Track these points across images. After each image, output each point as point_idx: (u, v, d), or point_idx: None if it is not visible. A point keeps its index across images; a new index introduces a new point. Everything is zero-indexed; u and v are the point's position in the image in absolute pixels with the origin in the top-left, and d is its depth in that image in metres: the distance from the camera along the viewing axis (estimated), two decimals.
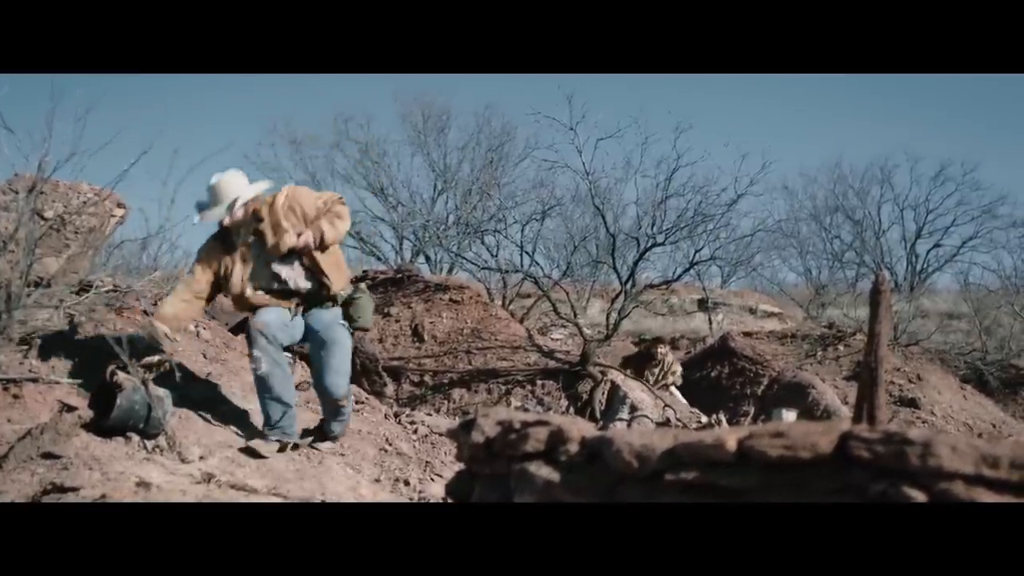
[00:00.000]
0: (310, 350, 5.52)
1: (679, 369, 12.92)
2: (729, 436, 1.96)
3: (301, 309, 5.41)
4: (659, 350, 12.67)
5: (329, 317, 5.43)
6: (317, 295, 5.41)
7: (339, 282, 5.44)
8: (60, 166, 5.34)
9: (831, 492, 1.80)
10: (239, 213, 5.23)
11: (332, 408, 5.52)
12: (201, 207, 5.26)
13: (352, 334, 5.53)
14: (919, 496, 1.67)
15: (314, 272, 5.35)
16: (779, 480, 1.87)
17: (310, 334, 5.43)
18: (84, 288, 6.21)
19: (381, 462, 5.71)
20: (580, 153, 13.74)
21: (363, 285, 5.64)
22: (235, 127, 53.58)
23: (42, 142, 5.14)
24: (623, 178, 21.66)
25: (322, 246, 5.28)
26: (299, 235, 5.21)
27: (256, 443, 5.06)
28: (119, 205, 6.91)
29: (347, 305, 5.49)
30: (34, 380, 4.98)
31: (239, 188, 5.23)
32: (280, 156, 41.23)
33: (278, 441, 5.17)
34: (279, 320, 5.27)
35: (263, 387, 5.19)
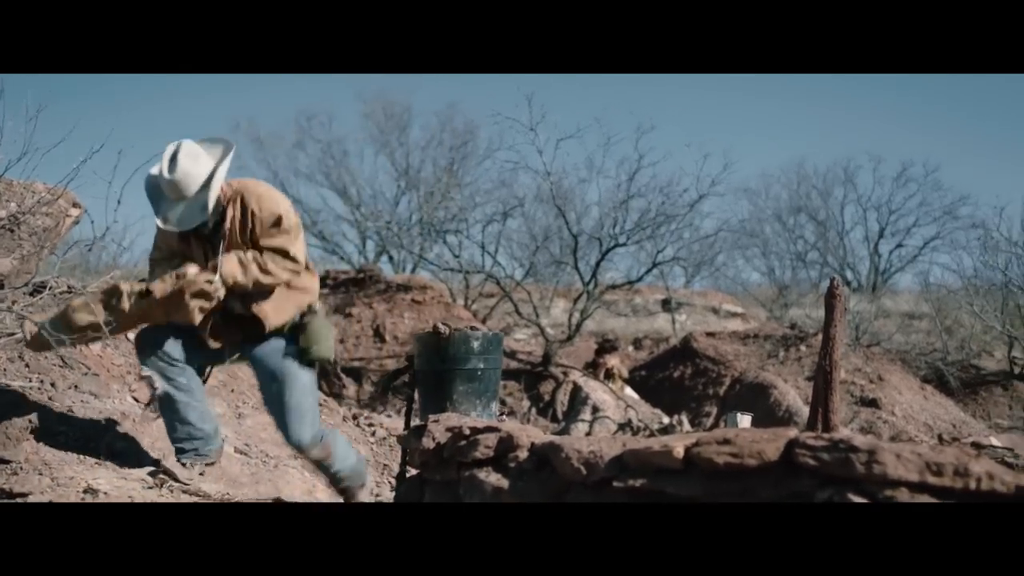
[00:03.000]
0: (259, 387, 4.54)
1: (620, 367, 12.90)
2: (676, 443, 1.95)
3: (225, 343, 4.40)
4: (601, 360, 12.58)
5: (274, 344, 4.36)
6: (251, 326, 4.33)
7: (279, 315, 4.33)
8: (12, 166, 5.26)
9: (778, 500, 1.80)
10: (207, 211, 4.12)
11: (311, 462, 4.52)
12: (158, 202, 4.15)
13: (312, 366, 4.43)
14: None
15: (243, 300, 4.27)
16: (726, 488, 1.86)
17: (253, 365, 4.45)
18: (38, 289, 6.12)
19: None
20: (540, 153, 13.74)
21: (317, 305, 4.50)
22: (198, 125, 53.26)
23: None
24: (587, 179, 21.73)
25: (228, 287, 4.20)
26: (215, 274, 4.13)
27: (175, 467, 4.31)
28: (74, 205, 6.80)
29: (295, 332, 4.37)
30: None
31: (206, 170, 4.12)
32: (243, 155, 41.15)
33: (196, 462, 4.35)
34: (174, 331, 4.30)
35: (163, 407, 4.35)
